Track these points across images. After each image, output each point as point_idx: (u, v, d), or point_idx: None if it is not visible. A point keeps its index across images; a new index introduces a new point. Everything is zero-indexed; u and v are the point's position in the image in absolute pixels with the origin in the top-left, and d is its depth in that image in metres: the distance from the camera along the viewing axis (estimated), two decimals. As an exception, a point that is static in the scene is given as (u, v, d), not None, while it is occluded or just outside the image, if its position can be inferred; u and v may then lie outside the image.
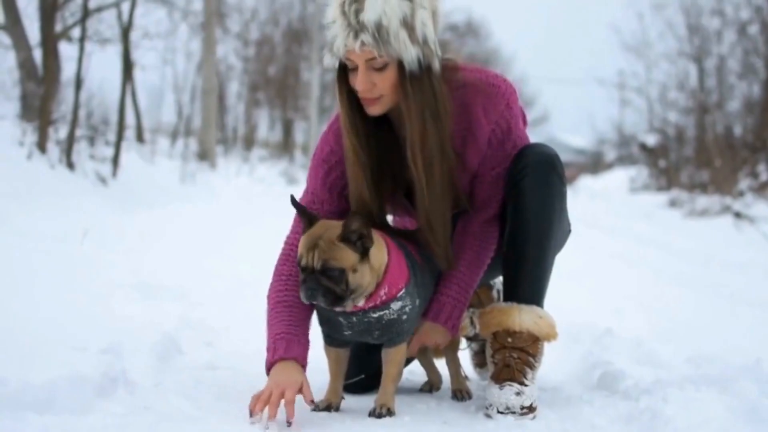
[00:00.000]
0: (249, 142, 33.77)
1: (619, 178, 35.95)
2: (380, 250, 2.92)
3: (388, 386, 3.05)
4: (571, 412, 3.17)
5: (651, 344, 4.50)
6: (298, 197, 3.25)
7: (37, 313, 3.96)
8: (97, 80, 13.27)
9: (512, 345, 3.19)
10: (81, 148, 11.18)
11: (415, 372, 3.83)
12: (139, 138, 20.10)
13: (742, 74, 24.65)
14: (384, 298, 2.94)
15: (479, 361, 3.99)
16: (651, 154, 30.51)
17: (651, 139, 30.98)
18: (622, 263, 9.44)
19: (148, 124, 25.10)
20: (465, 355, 4.01)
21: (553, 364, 3.87)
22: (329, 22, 2.98)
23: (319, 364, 3.15)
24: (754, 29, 23.69)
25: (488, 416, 3.07)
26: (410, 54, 2.94)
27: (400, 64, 2.97)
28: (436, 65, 3.03)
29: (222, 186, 17.81)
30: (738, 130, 23.90)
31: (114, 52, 15.11)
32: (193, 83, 27.92)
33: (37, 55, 11.07)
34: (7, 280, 4.44)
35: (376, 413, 2.99)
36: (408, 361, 3.35)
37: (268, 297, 3.18)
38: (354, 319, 2.98)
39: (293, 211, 3.13)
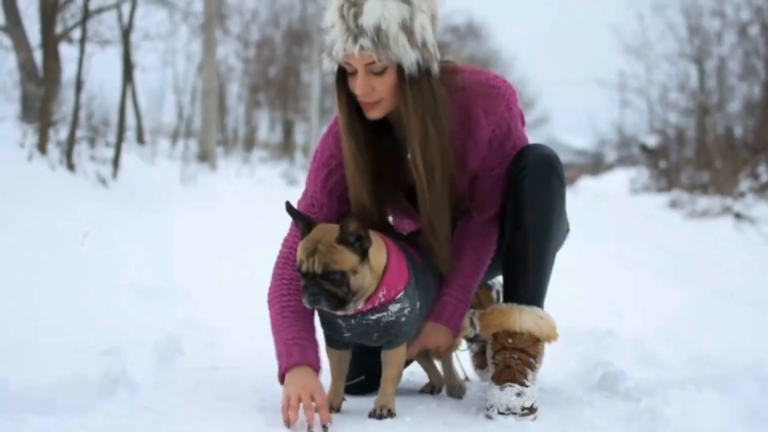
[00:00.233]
0: (249, 144, 33.77)
1: (619, 179, 35.90)
2: (379, 251, 2.93)
3: (387, 387, 3.05)
4: (571, 412, 3.17)
5: (651, 345, 4.50)
6: (297, 199, 3.26)
7: (38, 314, 3.96)
8: (97, 81, 13.31)
9: (513, 346, 3.19)
10: (81, 150, 11.19)
11: (416, 373, 3.83)
12: (140, 139, 20.11)
13: (743, 75, 24.62)
14: (382, 300, 2.94)
15: (480, 362, 3.99)
16: (651, 155, 30.47)
17: (651, 140, 30.95)
18: (622, 264, 9.44)
19: (149, 126, 25.10)
20: (465, 356, 4.01)
21: (553, 364, 3.87)
22: (328, 26, 2.98)
23: (323, 364, 3.15)
24: (754, 30, 23.66)
25: (489, 417, 3.07)
26: (409, 58, 2.94)
27: (400, 68, 2.97)
28: (435, 68, 3.03)
29: (222, 187, 17.80)
30: (738, 132, 23.86)
31: (114, 54, 15.12)
32: (194, 84, 27.95)
33: (38, 56, 11.07)
34: (7, 282, 4.43)
35: (376, 414, 2.99)
36: (408, 362, 3.35)
37: (270, 301, 3.18)
38: (353, 321, 2.99)
39: (292, 211, 3.13)
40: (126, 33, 13.79)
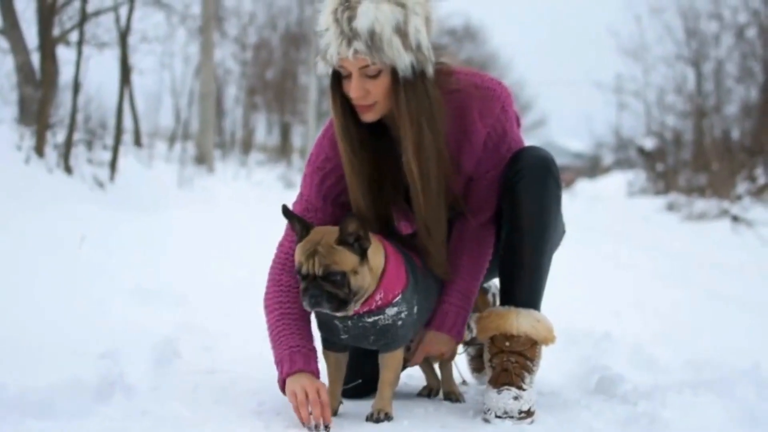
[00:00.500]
0: (247, 146, 33.77)
1: (616, 181, 35.93)
2: (377, 252, 2.93)
3: (385, 391, 3.05)
4: (569, 416, 3.17)
5: (649, 348, 4.50)
6: (293, 201, 3.26)
7: (36, 318, 3.96)
8: (95, 84, 13.28)
9: (510, 349, 3.19)
10: (79, 152, 11.16)
11: (413, 376, 3.83)
12: (137, 142, 20.07)
13: (740, 78, 24.68)
14: (379, 303, 2.94)
15: (476, 366, 3.99)
16: (649, 158, 30.52)
17: (649, 143, 30.99)
18: (619, 267, 9.44)
19: (146, 128, 25.07)
20: (462, 360, 4.01)
21: (551, 368, 3.88)
22: (322, 29, 2.98)
23: (321, 367, 3.15)
24: (751, 33, 23.74)
25: (486, 421, 3.07)
26: (404, 61, 2.94)
27: (394, 71, 2.97)
28: (430, 70, 3.02)
29: (220, 190, 17.79)
30: (736, 134, 23.92)
31: (112, 56, 15.12)
32: (191, 87, 27.90)
33: (35, 59, 11.05)
34: (5, 284, 4.43)
35: (373, 418, 2.99)
36: (404, 365, 3.35)
37: (267, 306, 3.18)
38: (350, 323, 2.99)
39: (288, 214, 3.13)
40: (123, 35, 13.76)
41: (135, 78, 19.40)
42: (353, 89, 2.99)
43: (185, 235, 8.48)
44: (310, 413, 2.89)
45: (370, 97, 3.01)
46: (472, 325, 3.49)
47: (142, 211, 10.55)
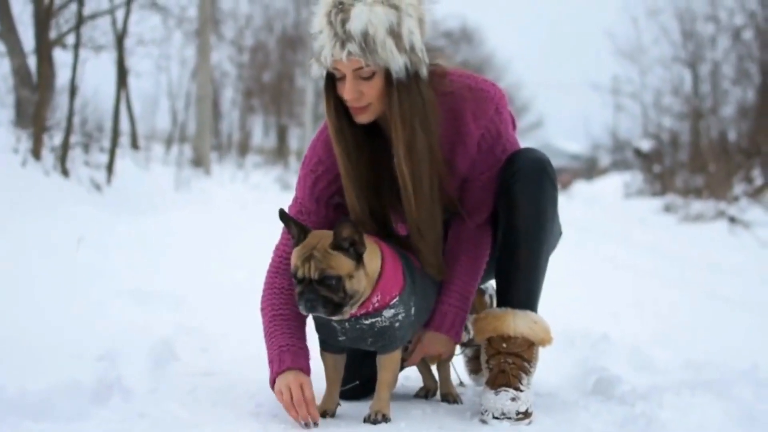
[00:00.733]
0: (244, 149, 33.74)
1: (613, 183, 35.95)
2: (373, 256, 2.93)
3: (382, 392, 3.05)
4: (566, 417, 3.17)
5: (647, 349, 4.50)
6: (288, 204, 3.26)
7: (33, 319, 3.96)
8: (91, 87, 13.26)
9: (507, 350, 3.19)
10: (75, 155, 11.15)
11: (411, 378, 3.83)
12: (134, 145, 20.05)
13: (737, 80, 24.71)
14: (376, 305, 2.94)
15: (474, 367, 3.99)
16: (645, 160, 30.54)
17: (645, 145, 31.01)
18: (617, 268, 9.45)
19: (143, 131, 25.05)
20: (460, 361, 4.01)
21: (548, 369, 3.88)
22: (316, 32, 2.99)
23: (318, 369, 3.15)
24: (748, 35, 23.76)
25: (484, 422, 3.07)
26: (397, 62, 2.94)
27: (388, 73, 2.97)
28: (424, 72, 3.03)
29: (217, 192, 17.78)
30: (732, 136, 23.93)
31: (108, 59, 15.11)
32: (188, 90, 27.84)
33: (32, 62, 11.04)
34: (3, 287, 4.43)
35: (371, 419, 2.99)
36: (404, 367, 3.35)
37: (263, 309, 3.19)
38: (347, 325, 2.99)
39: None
40: (120, 38, 13.76)
41: (132, 81, 19.39)
42: (347, 91, 2.99)
43: (182, 237, 8.48)
44: None
45: (365, 99, 3.01)
46: (470, 326, 3.49)
47: (139, 213, 10.55)
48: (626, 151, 38.49)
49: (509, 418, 3.04)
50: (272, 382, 3.05)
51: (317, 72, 3.06)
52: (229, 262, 7.11)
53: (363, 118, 3.07)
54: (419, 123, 3.02)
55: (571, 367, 4.18)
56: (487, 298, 3.86)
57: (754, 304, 6.69)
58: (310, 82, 30.47)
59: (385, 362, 3.06)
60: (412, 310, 3.05)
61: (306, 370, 3.05)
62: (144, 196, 12.38)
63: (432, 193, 3.11)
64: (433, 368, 3.61)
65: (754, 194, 17.87)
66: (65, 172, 10.44)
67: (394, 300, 2.97)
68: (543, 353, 3.31)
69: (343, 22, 2.90)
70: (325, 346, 3.13)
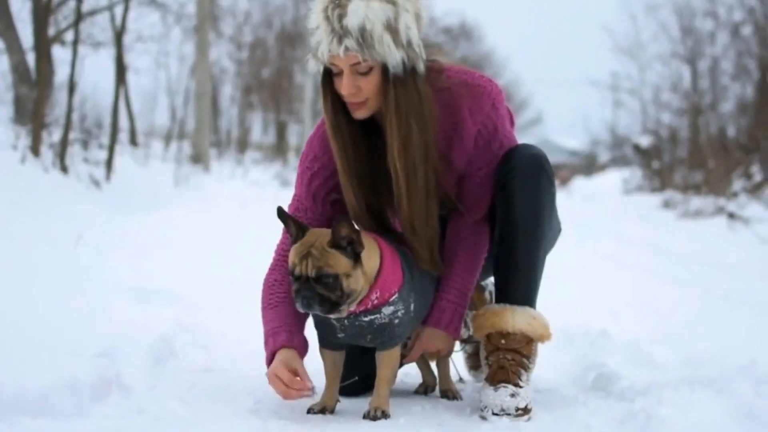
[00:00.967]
0: (243, 145, 33.74)
1: (612, 179, 35.99)
2: (372, 255, 2.93)
3: (382, 389, 3.05)
4: (566, 413, 3.17)
5: (646, 346, 4.50)
6: (288, 203, 3.26)
7: (32, 317, 3.96)
8: (90, 84, 13.25)
9: (506, 346, 3.19)
10: (74, 152, 11.16)
11: (410, 374, 3.83)
12: (133, 141, 20.06)
13: (736, 75, 24.69)
14: (376, 302, 2.94)
15: (473, 364, 3.99)
16: (644, 156, 30.55)
17: (644, 141, 31.03)
18: (616, 264, 9.45)
19: (142, 128, 25.08)
20: (459, 358, 4.01)
21: (548, 365, 3.88)
22: (313, 27, 2.99)
23: (317, 366, 3.15)
24: (747, 31, 23.72)
25: (483, 418, 3.07)
26: (394, 57, 2.95)
27: (385, 68, 2.97)
28: (421, 67, 3.03)
29: (216, 189, 17.78)
30: (731, 131, 23.92)
31: (107, 56, 15.19)
32: (187, 86, 27.85)
33: (31, 58, 11.05)
34: (1, 284, 4.43)
35: (370, 416, 2.99)
36: (403, 363, 3.35)
37: (263, 309, 3.20)
38: (346, 322, 2.99)
39: (285, 215, 3.13)
40: (119, 35, 13.77)
41: (130, 77, 19.42)
42: (345, 86, 2.99)
43: (181, 234, 8.47)
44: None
45: (362, 94, 3.01)
46: (470, 323, 3.49)
47: (138, 210, 10.55)
48: (625, 147, 38.53)
49: (509, 414, 3.04)
50: (268, 363, 3.08)
51: (314, 67, 3.07)
52: (228, 259, 7.10)
53: (360, 114, 3.07)
54: (415, 119, 3.02)
55: (570, 364, 4.18)
56: (487, 294, 3.86)
57: (753, 301, 6.69)
58: (309, 78, 30.42)
59: (385, 359, 3.06)
60: (412, 307, 3.05)
61: (297, 345, 3.07)
62: (143, 193, 12.38)
63: (427, 189, 3.10)
64: (433, 365, 3.61)
65: (753, 190, 17.87)
66: (64, 169, 10.45)
67: (394, 297, 2.97)
68: (542, 349, 3.31)
69: (340, 17, 2.91)
70: (324, 343, 3.13)
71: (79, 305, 4.42)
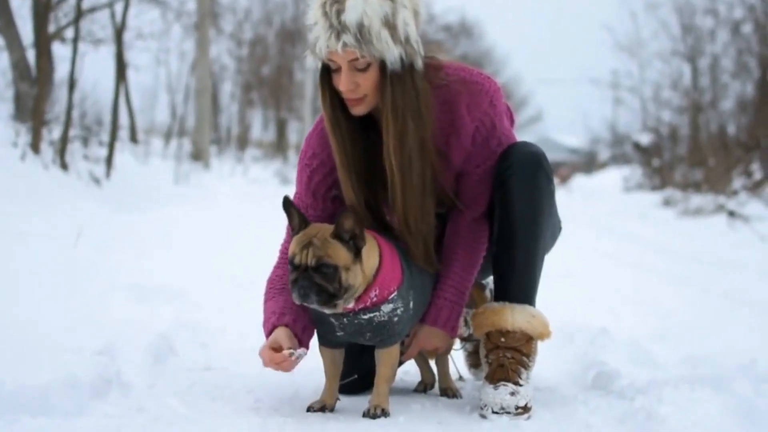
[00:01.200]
0: (243, 143, 33.77)
1: (612, 177, 35.98)
2: (372, 252, 2.93)
3: (381, 387, 3.04)
4: (566, 411, 3.16)
5: (646, 344, 4.50)
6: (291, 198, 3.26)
7: (32, 315, 3.95)
8: (90, 81, 13.31)
9: (506, 345, 3.19)
10: (74, 149, 11.17)
11: (410, 372, 3.82)
12: (133, 138, 20.07)
13: (736, 73, 24.68)
14: (375, 300, 2.94)
15: (473, 362, 3.99)
16: (645, 154, 30.54)
17: (645, 139, 31.02)
18: (616, 263, 9.44)
19: (142, 125, 25.13)
20: (459, 356, 4.01)
21: (547, 363, 3.88)
22: (311, 23, 2.99)
23: (316, 365, 3.14)
24: (747, 28, 23.72)
25: (483, 416, 3.07)
26: (393, 53, 2.94)
27: (383, 64, 2.97)
28: (419, 64, 3.03)
29: (216, 186, 17.79)
30: (732, 129, 23.92)
31: (107, 53, 15.18)
32: (187, 83, 27.87)
33: (31, 55, 11.05)
34: (1, 281, 4.42)
35: (370, 414, 2.98)
36: (401, 361, 3.35)
37: (262, 302, 3.20)
38: (345, 320, 2.99)
39: (287, 214, 3.13)
40: (119, 32, 13.78)
41: (131, 74, 19.44)
42: (343, 82, 2.99)
43: (181, 231, 8.48)
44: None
45: (360, 90, 3.01)
46: (469, 321, 3.49)
47: (138, 207, 10.56)
48: (625, 145, 38.52)
49: (508, 413, 3.04)
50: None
51: (312, 63, 3.07)
52: (228, 256, 7.11)
53: (359, 110, 3.07)
54: (411, 115, 3.02)
55: (570, 362, 4.17)
56: (487, 293, 3.86)
57: (754, 299, 6.69)
58: (309, 75, 30.45)
59: (384, 357, 3.06)
60: (411, 305, 3.05)
61: (291, 323, 3.07)
62: (143, 190, 12.39)
63: (423, 186, 3.10)
64: (432, 363, 3.61)
65: (754, 188, 17.86)
66: (64, 166, 10.46)
67: (393, 295, 2.96)
68: (542, 348, 3.31)
69: (338, 13, 2.91)
70: (324, 341, 3.13)
71: (79, 303, 4.42)
